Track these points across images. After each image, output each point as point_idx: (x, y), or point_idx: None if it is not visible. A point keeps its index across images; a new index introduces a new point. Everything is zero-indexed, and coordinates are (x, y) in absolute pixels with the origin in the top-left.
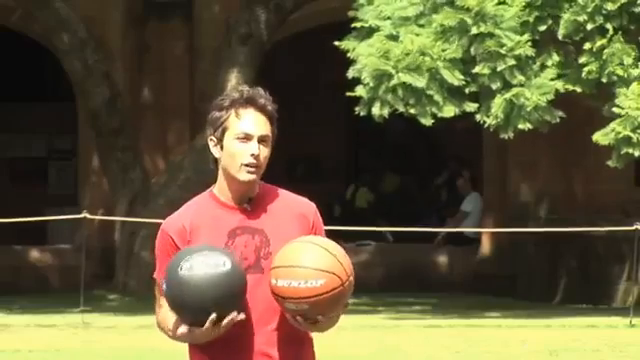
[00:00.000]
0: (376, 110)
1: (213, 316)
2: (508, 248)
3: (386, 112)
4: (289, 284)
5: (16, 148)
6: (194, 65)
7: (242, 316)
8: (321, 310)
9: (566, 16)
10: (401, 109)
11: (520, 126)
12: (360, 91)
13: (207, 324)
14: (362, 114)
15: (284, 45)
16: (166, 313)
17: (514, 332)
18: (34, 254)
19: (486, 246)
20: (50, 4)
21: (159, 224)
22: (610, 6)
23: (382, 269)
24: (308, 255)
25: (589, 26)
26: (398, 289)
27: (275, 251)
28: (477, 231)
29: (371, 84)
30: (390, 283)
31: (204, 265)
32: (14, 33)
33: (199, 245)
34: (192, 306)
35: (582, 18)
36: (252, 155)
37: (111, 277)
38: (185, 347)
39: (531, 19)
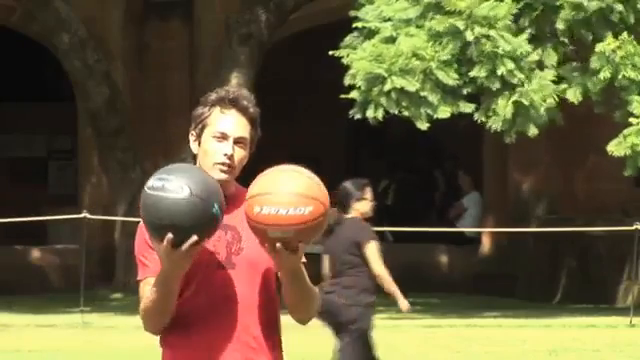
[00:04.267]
0: (370, 113)
1: (169, 236)
2: (508, 248)
3: (380, 115)
4: (276, 211)
5: (16, 148)
6: (194, 65)
7: (195, 238)
8: (304, 237)
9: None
10: (395, 111)
11: (530, 132)
12: (354, 94)
13: (165, 242)
14: (357, 117)
15: (284, 45)
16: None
17: (514, 332)
18: (34, 254)
19: (486, 246)
20: (50, 4)
21: None
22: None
23: None
24: (293, 182)
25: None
26: (398, 289)
27: (247, 247)
28: (477, 231)
29: (363, 87)
30: None
31: (164, 189)
32: (14, 33)
33: (174, 166)
34: (150, 223)
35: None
36: (225, 155)
37: (111, 277)
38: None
39: (526, 20)
